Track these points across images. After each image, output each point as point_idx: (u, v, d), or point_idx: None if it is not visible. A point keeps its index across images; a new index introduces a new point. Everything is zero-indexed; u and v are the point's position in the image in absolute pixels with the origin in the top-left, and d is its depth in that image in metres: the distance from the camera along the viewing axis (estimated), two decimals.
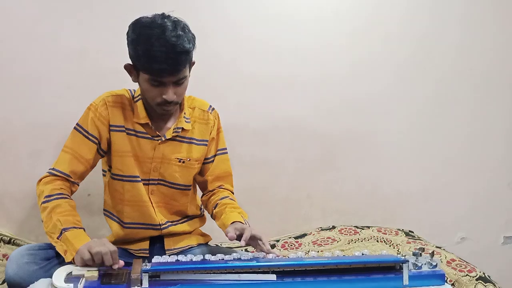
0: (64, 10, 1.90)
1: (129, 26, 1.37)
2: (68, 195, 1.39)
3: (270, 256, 1.31)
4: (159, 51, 1.30)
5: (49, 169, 1.44)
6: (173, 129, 1.50)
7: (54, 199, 1.35)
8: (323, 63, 2.18)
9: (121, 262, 1.23)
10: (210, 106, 1.61)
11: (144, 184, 1.50)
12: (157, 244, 1.56)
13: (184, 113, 1.52)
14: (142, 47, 1.32)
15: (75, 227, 1.29)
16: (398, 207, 2.32)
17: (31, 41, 1.89)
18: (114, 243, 1.49)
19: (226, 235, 1.34)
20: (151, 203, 1.52)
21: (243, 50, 2.08)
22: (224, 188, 1.62)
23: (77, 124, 1.48)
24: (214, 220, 1.58)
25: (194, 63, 1.44)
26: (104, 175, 1.58)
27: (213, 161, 1.61)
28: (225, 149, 1.64)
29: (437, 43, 2.29)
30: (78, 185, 1.47)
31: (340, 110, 2.22)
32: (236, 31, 2.07)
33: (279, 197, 2.19)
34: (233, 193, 1.64)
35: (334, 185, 2.25)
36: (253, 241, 1.38)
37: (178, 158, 1.52)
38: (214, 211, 1.56)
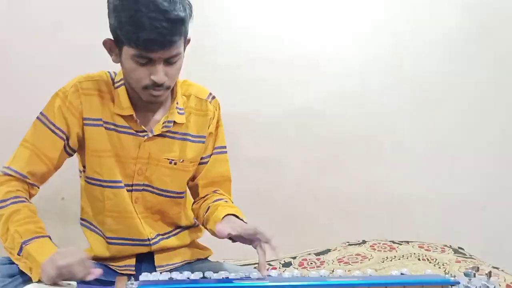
0: None
1: None
2: (26, 198, 1.22)
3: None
4: (148, 18, 1.11)
5: (3, 167, 1.24)
6: (163, 123, 1.30)
7: (10, 203, 1.17)
8: (333, 62, 2.20)
9: (97, 271, 1.08)
10: (210, 93, 1.40)
11: (127, 190, 1.31)
12: (145, 259, 1.36)
13: (177, 103, 1.32)
14: (126, 14, 1.13)
15: (37, 237, 1.13)
16: (406, 210, 2.31)
17: (36, 39, 1.89)
18: (93, 259, 1.30)
19: (216, 231, 1.15)
20: (137, 214, 1.33)
21: (249, 44, 2.11)
22: (219, 193, 1.41)
23: (41, 113, 1.28)
24: (205, 227, 1.37)
25: (189, 40, 1.25)
26: (80, 176, 1.37)
27: (208, 161, 1.41)
28: (224, 147, 1.43)
29: (443, 43, 2.29)
30: (39, 187, 1.29)
31: (349, 110, 2.25)
32: (242, 24, 2.10)
33: (284, 199, 2.21)
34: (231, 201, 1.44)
35: (341, 187, 2.26)
36: (255, 241, 1.17)
37: (168, 159, 1.32)
38: (205, 216, 1.34)
